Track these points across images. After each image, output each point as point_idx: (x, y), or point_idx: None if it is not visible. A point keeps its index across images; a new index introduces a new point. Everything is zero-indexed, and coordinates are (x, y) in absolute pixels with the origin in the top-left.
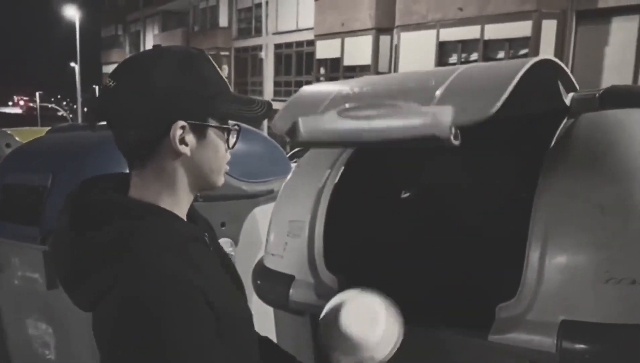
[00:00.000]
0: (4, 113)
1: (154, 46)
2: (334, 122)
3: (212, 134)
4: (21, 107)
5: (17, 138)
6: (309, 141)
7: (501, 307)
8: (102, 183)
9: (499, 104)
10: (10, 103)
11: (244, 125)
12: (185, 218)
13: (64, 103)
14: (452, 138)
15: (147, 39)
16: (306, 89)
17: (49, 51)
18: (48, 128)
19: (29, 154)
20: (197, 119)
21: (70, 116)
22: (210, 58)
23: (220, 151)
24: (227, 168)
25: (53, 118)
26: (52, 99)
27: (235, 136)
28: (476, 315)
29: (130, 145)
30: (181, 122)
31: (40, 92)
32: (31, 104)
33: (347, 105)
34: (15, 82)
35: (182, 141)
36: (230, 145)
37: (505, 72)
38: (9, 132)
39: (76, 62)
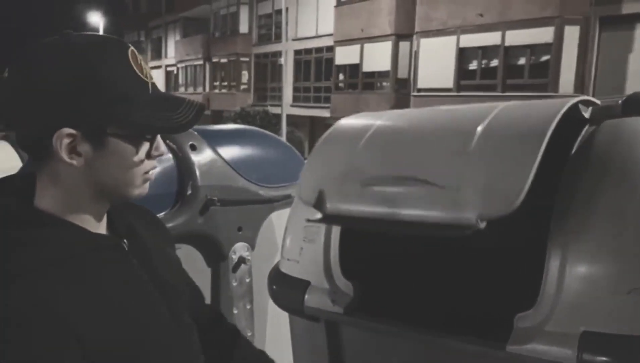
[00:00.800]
0: None
1: (63, 32)
2: (357, 204)
3: (115, 143)
4: None
5: None
6: (336, 221)
7: (519, 317)
8: (10, 183)
9: (523, 194)
10: None
11: (256, 128)
12: (97, 225)
13: None
14: (478, 225)
15: (168, 44)
16: (331, 138)
17: None
18: None
19: None
20: (91, 127)
21: None
22: (132, 50)
23: (128, 162)
24: (150, 176)
25: None
26: None
27: (154, 144)
28: (493, 325)
29: (23, 145)
30: (67, 130)
31: None
32: None
33: (371, 175)
34: None
35: (73, 151)
36: (146, 154)
37: (533, 133)
38: None
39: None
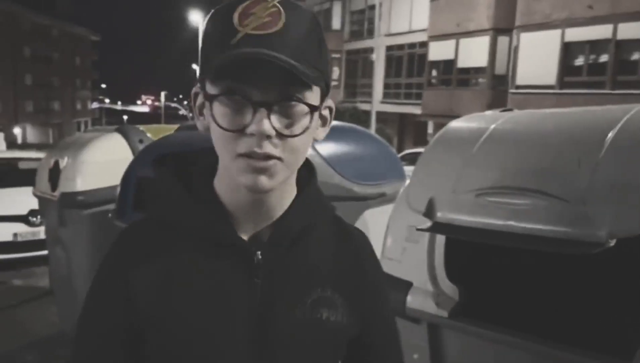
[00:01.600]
0: (134, 111)
1: None
2: (470, 214)
3: (213, 106)
4: (149, 106)
5: (148, 135)
6: (447, 231)
7: None
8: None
9: None
10: (138, 102)
11: (353, 125)
12: (252, 218)
13: (185, 103)
14: (608, 243)
15: None
16: (441, 142)
17: (173, 54)
18: (176, 126)
19: (161, 150)
20: (200, 83)
21: (190, 115)
22: (248, 4)
23: (218, 130)
24: (254, 164)
25: (175, 117)
26: (175, 99)
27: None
28: (614, 341)
29: None
30: (195, 89)
31: (165, 92)
32: (156, 103)
33: (485, 184)
34: (143, 83)
35: (201, 112)
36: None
37: None
38: (141, 128)
39: (197, 64)
